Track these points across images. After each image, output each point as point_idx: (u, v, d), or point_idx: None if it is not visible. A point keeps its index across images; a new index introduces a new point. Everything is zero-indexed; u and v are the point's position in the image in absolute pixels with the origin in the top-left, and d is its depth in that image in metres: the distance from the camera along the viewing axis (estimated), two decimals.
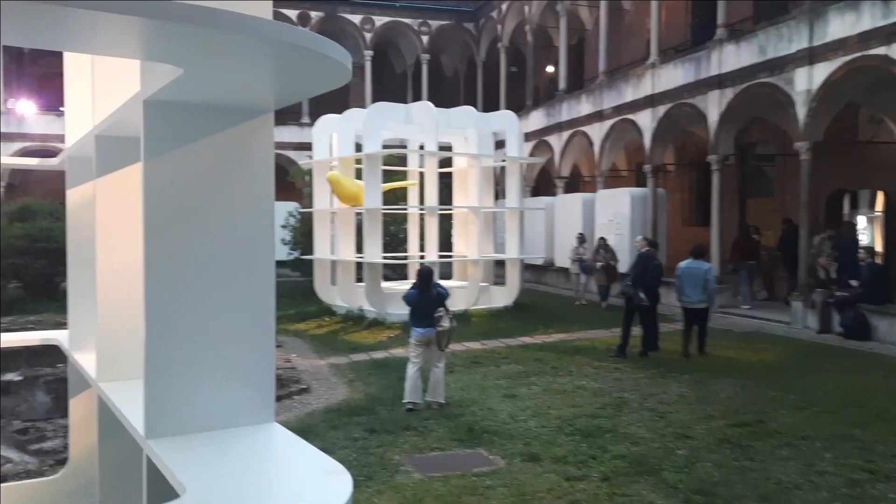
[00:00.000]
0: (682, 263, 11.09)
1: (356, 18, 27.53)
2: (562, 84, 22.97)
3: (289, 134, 26.44)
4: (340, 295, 15.70)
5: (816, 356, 11.13)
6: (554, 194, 22.87)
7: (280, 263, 21.99)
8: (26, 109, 24.63)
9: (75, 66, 3.91)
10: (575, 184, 23.92)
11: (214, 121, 2.26)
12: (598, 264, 16.26)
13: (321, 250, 16.33)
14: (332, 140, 16.07)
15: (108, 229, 3.09)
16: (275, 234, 2.54)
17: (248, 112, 2.36)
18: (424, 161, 14.98)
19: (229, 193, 2.29)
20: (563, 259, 21.09)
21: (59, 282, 19.23)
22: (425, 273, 8.70)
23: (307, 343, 13.23)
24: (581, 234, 17.85)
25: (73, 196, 4.16)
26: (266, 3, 2.46)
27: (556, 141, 22.90)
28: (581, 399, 8.50)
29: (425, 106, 14.88)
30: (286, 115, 27.29)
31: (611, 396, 8.61)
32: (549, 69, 27.34)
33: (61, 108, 25.23)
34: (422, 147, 15.36)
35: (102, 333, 3.00)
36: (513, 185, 16.15)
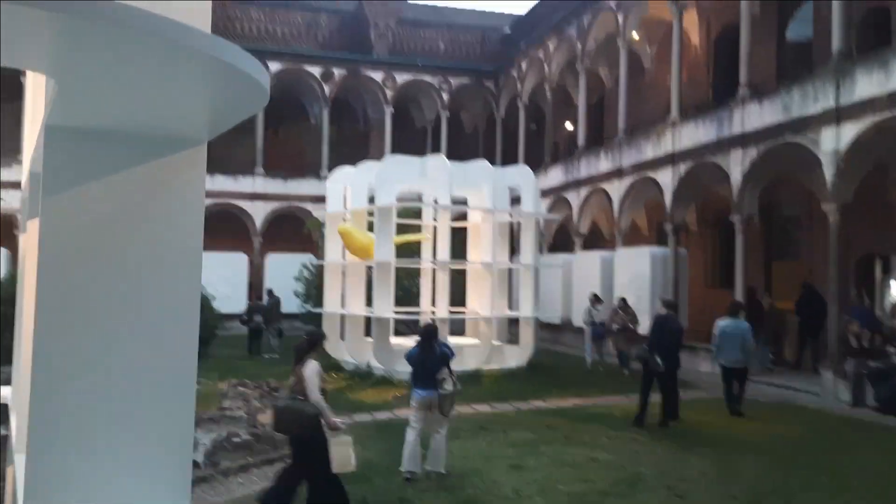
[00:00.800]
0: (721, 322, 11.26)
1: (378, 76, 27.76)
2: (581, 141, 22.75)
3: (307, 186, 26.43)
4: (348, 350, 15.23)
5: (850, 433, 10.37)
6: (573, 251, 22.41)
7: (292, 316, 21.63)
8: None
9: (29, 95, 3.60)
10: (594, 241, 23.45)
11: (130, 153, 1.85)
12: (615, 326, 15.46)
13: (331, 303, 15.94)
14: (346, 192, 15.85)
15: (31, 278, 2.72)
16: (200, 291, 2.12)
17: (171, 144, 1.95)
18: (437, 215, 14.66)
19: (147, 240, 1.87)
20: (581, 318, 20.49)
21: None
22: (428, 331, 8.20)
23: None
24: (595, 294, 17.05)
25: (23, 241, 3.82)
26: (204, 3, 2.09)
27: (575, 197, 22.56)
28: (593, 473, 7.86)
29: (439, 159, 14.65)
30: (305, 169, 27.40)
31: (625, 471, 7.96)
32: (569, 126, 27.23)
33: None
34: (435, 201, 15.06)
35: (23, 397, 2.60)
36: (527, 241, 15.75)
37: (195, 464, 7.88)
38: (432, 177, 14.58)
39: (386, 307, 14.09)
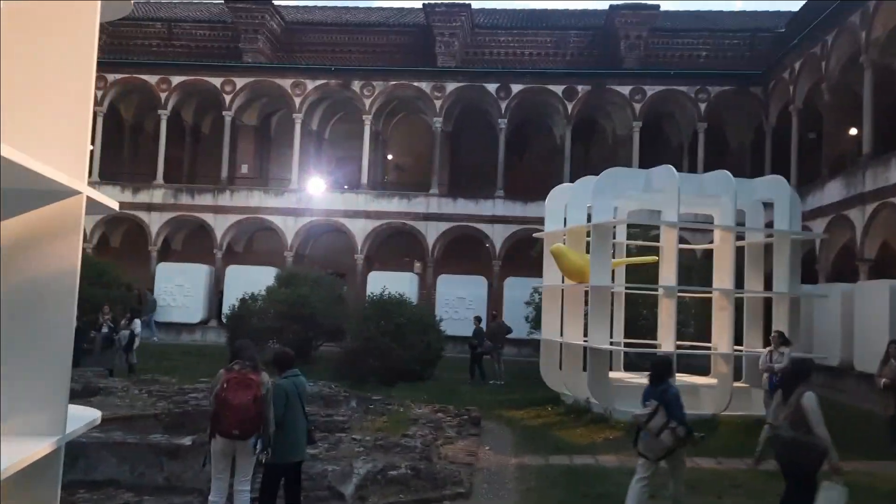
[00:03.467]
0: None
1: (625, 90, 26.09)
2: (866, 147, 18.95)
3: (539, 209, 25.65)
4: (565, 382, 13.98)
5: None
6: (858, 280, 18.64)
7: (521, 342, 20.86)
8: (316, 188, 27.11)
9: None
10: (887, 268, 19.31)
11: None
12: (884, 381, 11.35)
13: (549, 330, 14.84)
14: (565, 210, 14.71)
15: None
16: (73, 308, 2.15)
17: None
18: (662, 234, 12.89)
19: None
20: (867, 362, 16.82)
21: (317, 345, 20.21)
22: (660, 364, 7.05)
23: (512, 435, 11.73)
24: (780, 332, 12.48)
25: None
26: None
27: (858, 216, 18.78)
28: None
29: (666, 170, 12.85)
30: (546, 191, 26.54)
31: None
32: (854, 132, 23.03)
33: (345, 187, 27.54)
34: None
35: None
36: (782, 265, 13.16)
37: (340, 496, 7.32)
38: (658, 190, 12.85)
39: (602, 336, 12.63)
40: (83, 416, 2.63)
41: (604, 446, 10.75)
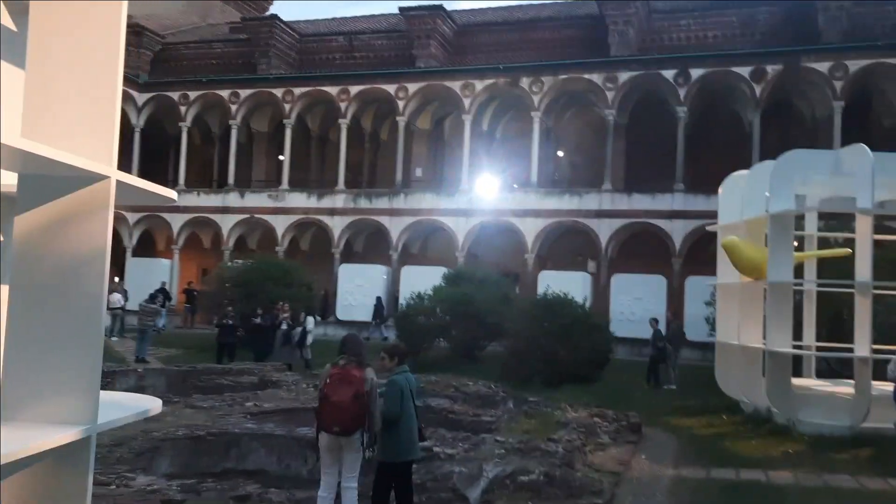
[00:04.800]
0: None
1: (823, 66, 23.32)
2: None
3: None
4: (742, 389, 12.68)
5: None
6: None
7: (704, 346, 19.34)
8: (486, 188, 26.99)
9: None
10: None
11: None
12: None
13: (725, 332, 13.54)
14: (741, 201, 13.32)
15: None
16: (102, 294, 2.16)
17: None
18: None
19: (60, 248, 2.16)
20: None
21: (483, 345, 20.11)
22: None
23: (678, 444, 10.84)
24: None
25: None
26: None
27: None
28: None
29: (858, 149, 11.18)
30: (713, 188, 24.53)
31: None
32: None
33: (515, 186, 27.20)
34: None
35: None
36: None
37: (464, 499, 7.02)
38: (848, 173, 11.21)
39: (783, 339, 11.26)
40: (135, 406, 2.54)
41: (779, 461, 9.60)
